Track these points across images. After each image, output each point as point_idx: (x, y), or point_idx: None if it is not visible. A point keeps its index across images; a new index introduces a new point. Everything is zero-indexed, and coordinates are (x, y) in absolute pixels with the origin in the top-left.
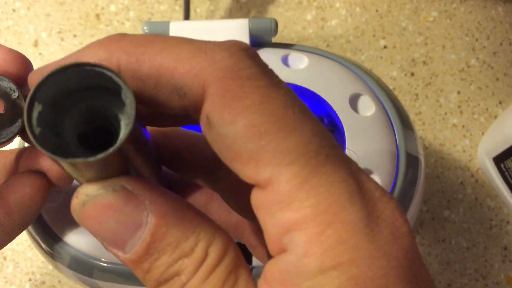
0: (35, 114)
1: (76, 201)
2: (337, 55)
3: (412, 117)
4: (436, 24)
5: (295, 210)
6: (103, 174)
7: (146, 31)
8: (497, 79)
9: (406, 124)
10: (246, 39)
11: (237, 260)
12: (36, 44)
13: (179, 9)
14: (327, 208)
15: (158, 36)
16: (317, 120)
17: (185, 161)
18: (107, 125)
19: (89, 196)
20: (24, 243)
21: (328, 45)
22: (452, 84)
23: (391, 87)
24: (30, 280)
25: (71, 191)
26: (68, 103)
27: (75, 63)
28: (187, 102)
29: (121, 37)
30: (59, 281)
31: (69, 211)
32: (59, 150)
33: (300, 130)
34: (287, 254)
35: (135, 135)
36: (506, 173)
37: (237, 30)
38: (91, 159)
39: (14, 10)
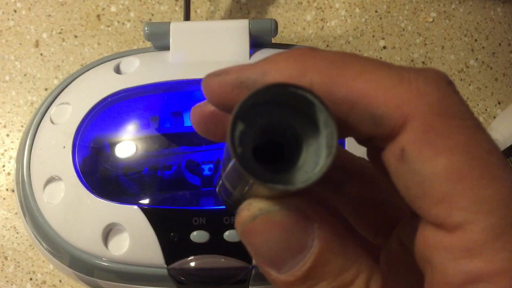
0: (237, 134)
1: (247, 214)
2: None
3: None
4: (435, 24)
5: (487, 261)
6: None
7: (147, 31)
8: (496, 80)
9: None
10: (246, 40)
11: None
12: (37, 45)
13: (180, 10)
14: None
15: (352, 57)
16: None
17: None
18: (277, 139)
19: (262, 210)
20: (25, 243)
21: (328, 46)
22: None
23: None
24: (31, 279)
25: (71, 191)
26: (251, 116)
27: (281, 83)
28: (380, 130)
29: (313, 53)
30: (60, 281)
31: (70, 210)
32: (244, 165)
33: (502, 179)
34: None
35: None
36: None
37: (237, 30)
38: (290, 187)
39: (15, 11)
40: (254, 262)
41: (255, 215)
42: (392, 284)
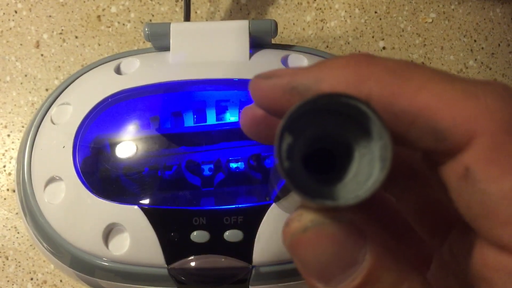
0: (284, 147)
1: (298, 225)
2: (336, 56)
3: None
4: (435, 25)
5: None
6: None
7: (147, 32)
8: (495, 80)
9: None
10: (246, 40)
11: None
12: (37, 45)
13: (180, 11)
14: None
15: (415, 67)
16: None
17: None
18: (328, 148)
19: (313, 222)
20: (26, 243)
21: (327, 46)
22: None
23: None
24: (32, 279)
25: (72, 191)
26: (301, 126)
27: (333, 93)
28: (442, 146)
29: (373, 61)
30: (61, 280)
31: (70, 210)
32: (292, 178)
33: None
34: None
35: None
36: None
37: (237, 31)
38: (341, 203)
39: (16, 12)
40: (253, 262)
41: (306, 227)
42: None
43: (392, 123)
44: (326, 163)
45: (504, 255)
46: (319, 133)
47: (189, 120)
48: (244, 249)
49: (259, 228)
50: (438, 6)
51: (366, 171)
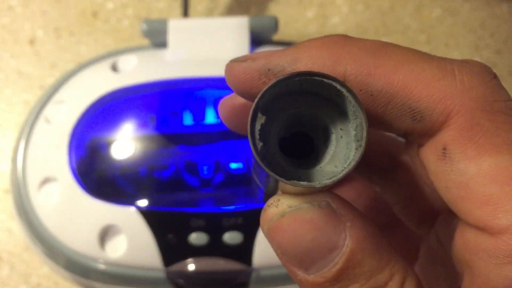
0: (257, 127)
1: (275, 210)
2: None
3: None
4: (440, 21)
5: None
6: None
7: (144, 28)
8: (501, 78)
9: None
10: (246, 37)
11: None
12: (32, 42)
13: (178, 6)
14: None
15: (391, 46)
16: None
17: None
18: (304, 131)
19: (291, 207)
20: (20, 245)
21: None
22: None
23: None
24: (26, 282)
25: (67, 192)
26: (276, 108)
27: (306, 72)
28: (419, 126)
29: (349, 41)
30: (56, 283)
31: (66, 211)
32: (266, 160)
33: None
34: None
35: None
36: None
37: (236, 27)
38: (317, 184)
39: (10, 8)
40: (253, 264)
41: (284, 212)
42: (429, 285)
43: (368, 104)
44: (305, 147)
45: (483, 236)
46: (296, 116)
47: (187, 119)
48: (244, 251)
49: (259, 230)
50: (443, 1)
51: (343, 154)
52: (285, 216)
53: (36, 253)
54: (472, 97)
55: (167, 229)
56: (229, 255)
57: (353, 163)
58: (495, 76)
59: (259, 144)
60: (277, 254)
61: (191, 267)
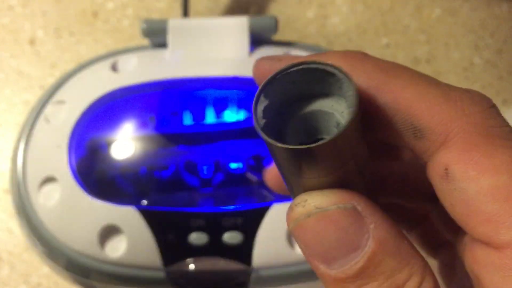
0: (260, 108)
1: (302, 210)
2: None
3: None
4: (440, 21)
5: None
6: (323, 179)
7: (144, 28)
8: (501, 78)
9: None
10: (245, 37)
11: None
12: (32, 42)
13: (178, 6)
14: None
15: (403, 68)
16: None
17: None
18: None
19: (319, 209)
20: (20, 245)
21: (329, 43)
22: (456, 83)
23: None
24: (26, 282)
25: (67, 192)
26: (290, 112)
27: (301, 62)
28: (419, 143)
29: (364, 58)
30: (56, 283)
31: (66, 211)
32: (267, 130)
33: None
34: None
35: (357, 127)
36: None
37: (236, 27)
38: (313, 145)
39: (10, 8)
40: (253, 264)
41: (310, 212)
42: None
43: (373, 115)
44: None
45: (489, 250)
46: (311, 121)
47: (187, 119)
48: (244, 251)
49: (259, 230)
50: (443, 2)
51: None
52: (311, 216)
53: (36, 253)
54: (471, 122)
55: (167, 229)
56: (229, 255)
57: (345, 124)
58: (493, 106)
59: (262, 121)
60: (301, 249)
61: (191, 267)
